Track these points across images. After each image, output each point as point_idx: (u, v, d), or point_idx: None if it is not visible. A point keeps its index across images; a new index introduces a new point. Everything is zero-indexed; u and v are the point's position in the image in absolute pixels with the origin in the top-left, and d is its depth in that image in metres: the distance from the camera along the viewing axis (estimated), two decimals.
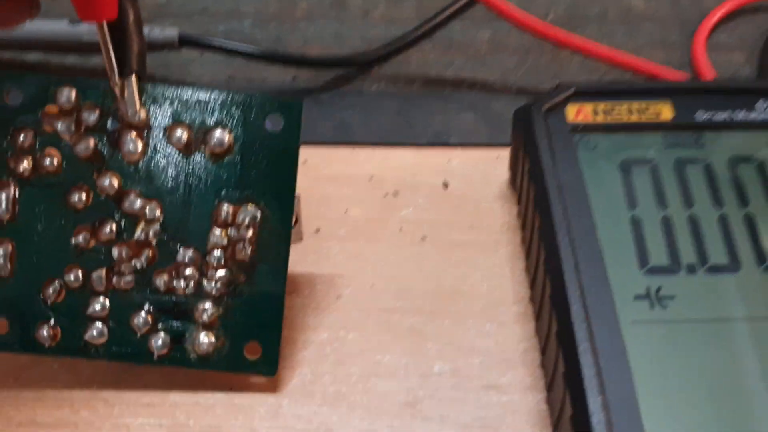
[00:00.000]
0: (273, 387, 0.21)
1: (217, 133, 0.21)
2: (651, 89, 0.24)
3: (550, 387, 0.20)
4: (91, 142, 0.21)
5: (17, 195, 0.21)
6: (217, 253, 0.21)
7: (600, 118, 0.24)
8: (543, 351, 0.21)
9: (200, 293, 0.21)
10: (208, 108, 0.21)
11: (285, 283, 0.21)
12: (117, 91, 0.21)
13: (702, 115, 0.24)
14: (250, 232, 0.21)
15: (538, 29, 0.28)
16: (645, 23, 0.32)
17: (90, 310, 0.21)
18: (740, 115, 0.23)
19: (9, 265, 0.21)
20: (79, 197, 0.21)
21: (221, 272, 0.21)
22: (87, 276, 0.21)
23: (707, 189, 0.22)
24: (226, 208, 0.21)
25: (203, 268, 0.21)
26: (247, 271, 0.21)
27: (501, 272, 0.24)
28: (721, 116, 0.23)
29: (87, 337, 0.21)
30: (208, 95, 0.21)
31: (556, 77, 0.30)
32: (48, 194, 0.21)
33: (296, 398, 0.21)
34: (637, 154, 0.23)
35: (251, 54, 0.29)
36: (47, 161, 0.21)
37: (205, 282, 0.21)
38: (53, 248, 0.21)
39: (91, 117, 0.21)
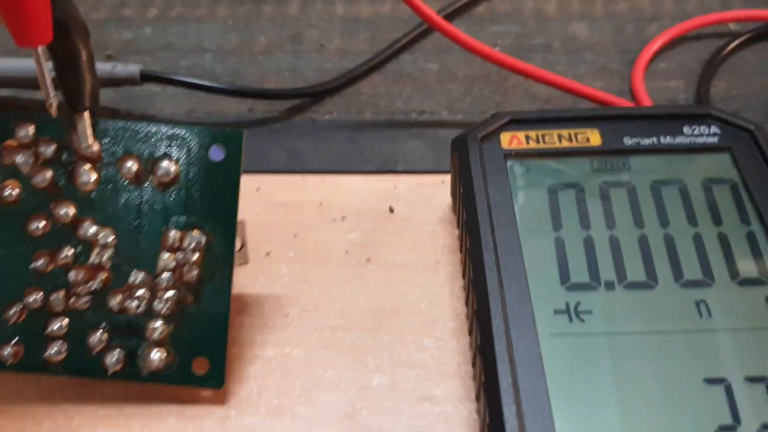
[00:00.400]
0: (221, 399, 0.22)
1: (164, 164, 0.22)
2: (580, 116, 0.26)
3: (477, 397, 0.22)
4: (49, 173, 0.22)
5: None
6: (166, 275, 0.22)
7: (532, 145, 0.25)
8: (473, 363, 0.22)
9: (151, 313, 0.22)
10: (156, 141, 0.23)
11: (229, 302, 0.22)
12: (73, 123, 0.22)
13: (629, 141, 0.25)
14: (196, 256, 0.22)
15: (488, 54, 0.30)
16: (587, 52, 0.34)
17: (49, 329, 0.22)
18: (666, 140, 0.25)
19: None
20: (38, 225, 0.22)
21: (170, 293, 0.22)
22: (46, 298, 0.22)
23: (629, 211, 0.23)
24: (173, 234, 0.22)
25: (154, 289, 0.22)
26: (194, 292, 0.22)
27: (440, 291, 0.25)
28: (647, 141, 0.25)
29: (47, 354, 0.22)
30: (156, 129, 0.23)
31: (499, 106, 0.31)
32: (8, 223, 0.23)
33: (243, 409, 0.22)
34: (565, 179, 0.24)
35: (210, 87, 0.31)
36: (7, 192, 0.22)
37: (155, 302, 0.22)
38: (14, 272, 0.22)
39: (48, 150, 0.23)
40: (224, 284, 0.22)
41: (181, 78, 0.31)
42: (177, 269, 0.22)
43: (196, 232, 0.22)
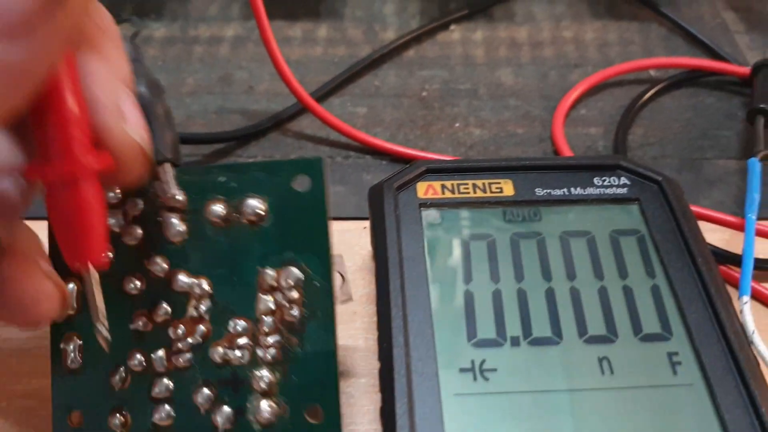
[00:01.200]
0: None
1: (251, 202, 0.22)
2: (495, 167, 0.26)
3: None
4: (139, 230, 0.22)
5: (80, 290, 0.22)
6: (267, 319, 0.21)
7: (447, 195, 0.25)
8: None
9: (256, 361, 0.21)
10: (239, 180, 0.22)
11: (335, 340, 0.21)
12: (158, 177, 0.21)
13: (540, 192, 0.25)
14: (295, 294, 0.21)
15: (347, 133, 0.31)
16: (512, 98, 0.34)
17: (155, 392, 0.21)
18: (576, 191, 0.25)
19: (79, 359, 0.22)
20: (134, 284, 0.22)
21: (273, 338, 0.21)
22: (148, 359, 0.22)
23: (538, 263, 0.23)
24: (269, 274, 0.21)
25: (256, 335, 0.21)
26: (298, 333, 0.21)
27: (354, 344, 0.25)
28: (558, 192, 0.25)
29: (155, 419, 0.21)
30: (237, 168, 0.22)
31: (424, 150, 0.31)
32: (106, 285, 0.21)
33: None
34: (478, 229, 0.24)
35: None
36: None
37: (258, 350, 0.21)
38: (115, 336, 0.21)
39: (136, 207, 0.22)
40: (328, 321, 0.21)
41: None
42: (277, 311, 0.21)
43: (292, 268, 0.21)
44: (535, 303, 0.22)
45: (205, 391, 0.21)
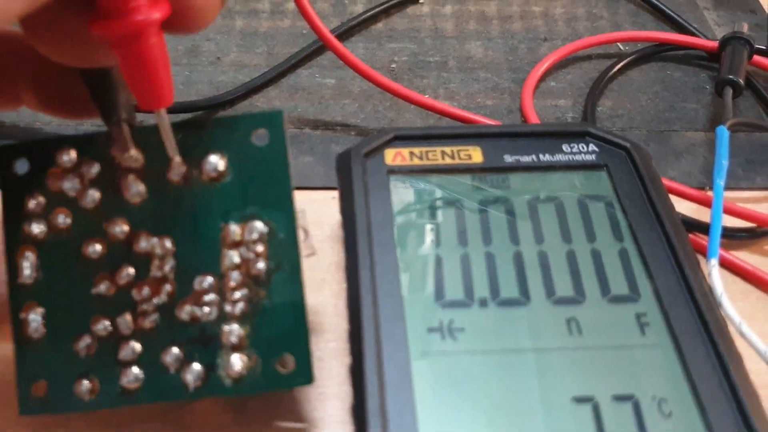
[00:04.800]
0: None
1: (211, 158, 0.21)
2: (463, 134, 0.26)
3: (352, 420, 0.21)
4: (97, 193, 0.21)
5: (38, 258, 0.21)
6: (233, 273, 0.21)
7: (416, 162, 0.25)
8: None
9: (224, 316, 0.21)
10: (197, 137, 0.21)
11: (303, 290, 0.21)
12: (114, 138, 0.21)
13: (509, 158, 0.25)
14: (260, 247, 0.21)
15: (378, 80, 0.30)
16: (481, 70, 0.34)
17: (122, 355, 0.21)
18: (545, 157, 0.25)
19: (42, 328, 0.21)
20: (94, 248, 0.21)
21: (240, 292, 0.21)
22: (114, 323, 0.21)
23: (506, 228, 0.23)
24: (233, 229, 0.21)
25: (222, 291, 0.21)
26: (264, 286, 0.21)
27: (323, 310, 0.25)
28: (527, 159, 0.25)
29: (124, 382, 0.21)
30: (194, 125, 0.22)
31: (393, 122, 0.31)
32: (65, 251, 0.21)
33: None
34: (446, 195, 0.24)
35: None
36: (60, 220, 0.21)
37: (226, 305, 0.21)
38: (78, 302, 0.21)
39: (92, 170, 0.22)
40: (294, 272, 0.21)
41: None
42: (243, 265, 0.21)
43: (256, 222, 0.21)
44: (503, 266, 0.22)
45: (174, 350, 0.21)
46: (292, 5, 0.37)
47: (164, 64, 0.19)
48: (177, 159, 0.21)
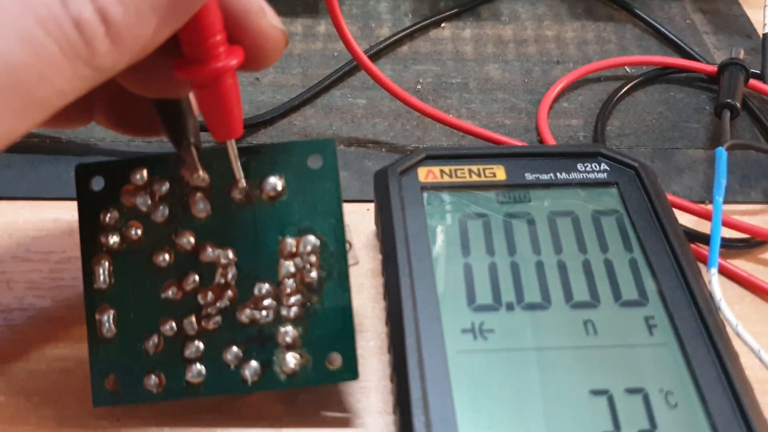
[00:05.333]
0: None
1: (270, 180, 0.24)
2: (488, 154, 0.29)
3: (394, 411, 0.24)
4: (166, 208, 0.24)
5: (111, 266, 0.24)
6: (288, 281, 0.24)
7: (446, 179, 0.28)
8: (391, 380, 0.25)
9: (280, 319, 0.24)
10: (259, 160, 0.24)
11: (350, 295, 0.24)
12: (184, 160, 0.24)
13: (530, 176, 0.28)
14: (313, 258, 0.24)
15: (406, 99, 0.33)
16: (499, 91, 0.37)
17: (187, 353, 0.24)
18: (561, 176, 0.28)
19: (114, 328, 0.24)
20: (163, 257, 0.24)
21: (295, 297, 0.24)
22: (180, 324, 0.24)
23: (528, 239, 0.26)
24: (289, 242, 0.24)
25: (279, 297, 0.24)
26: (316, 292, 0.24)
27: (363, 312, 0.27)
28: (546, 177, 0.28)
29: (188, 377, 0.23)
30: (256, 149, 0.24)
31: (420, 140, 0.34)
32: (137, 260, 0.24)
33: None
34: (474, 210, 0.27)
35: None
36: (132, 232, 0.24)
37: (282, 309, 0.24)
38: (148, 305, 0.24)
39: (163, 188, 0.24)
40: (343, 280, 0.24)
41: None
42: (297, 274, 0.24)
43: (310, 236, 0.24)
44: (527, 274, 0.25)
45: (234, 349, 0.24)
46: (323, 28, 0.40)
47: (237, 101, 0.22)
48: (242, 182, 0.24)
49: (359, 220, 0.30)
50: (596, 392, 0.22)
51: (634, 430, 0.21)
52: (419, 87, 0.37)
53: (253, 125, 0.34)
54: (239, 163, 0.24)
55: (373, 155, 0.33)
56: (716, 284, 0.26)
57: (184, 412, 0.24)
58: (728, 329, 0.24)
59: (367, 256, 0.29)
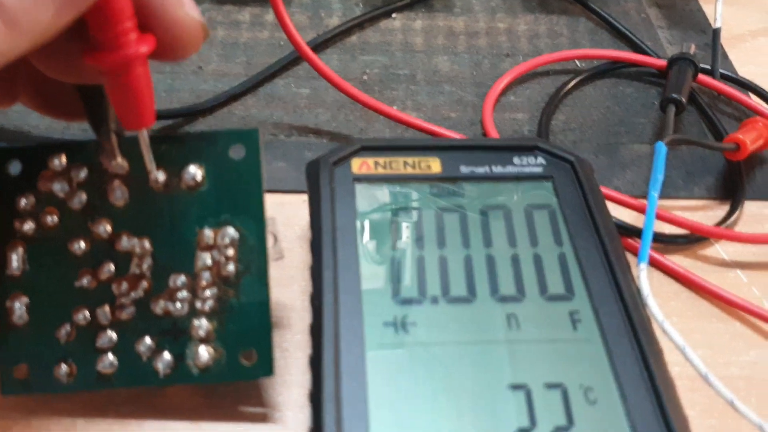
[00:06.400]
0: None
1: (190, 169, 0.23)
2: (424, 146, 0.28)
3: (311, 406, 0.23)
4: (83, 195, 0.24)
5: (26, 253, 0.23)
6: (204, 274, 0.23)
7: (380, 171, 0.27)
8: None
9: (195, 312, 0.23)
10: (179, 149, 0.24)
11: (268, 291, 0.23)
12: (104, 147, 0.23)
13: (465, 169, 0.28)
14: (231, 251, 0.23)
15: (348, 90, 0.32)
16: (447, 84, 0.36)
17: (99, 343, 0.23)
18: (497, 169, 0.28)
19: (26, 316, 0.23)
20: (79, 245, 0.23)
21: (210, 291, 0.23)
22: (93, 313, 0.23)
23: (459, 233, 0.26)
24: (207, 234, 0.23)
25: (194, 289, 0.23)
26: (233, 286, 0.23)
27: (291, 305, 0.27)
28: (481, 170, 0.28)
29: (99, 368, 0.23)
30: (177, 139, 0.24)
31: (363, 131, 0.33)
32: (51, 247, 0.24)
33: None
34: (406, 202, 0.27)
35: None
36: (48, 219, 0.24)
37: (197, 301, 0.23)
38: (61, 293, 0.23)
39: (81, 174, 0.24)
40: (261, 275, 0.23)
41: None
42: (214, 267, 0.23)
43: (228, 229, 0.23)
44: (454, 267, 0.25)
45: (147, 340, 0.23)
46: (271, 17, 0.40)
47: (148, 90, 0.21)
48: (154, 174, 0.23)
49: (295, 212, 0.30)
50: (514, 387, 0.22)
51: (550, 426, 0.21)
52: (365, 78, 0.36)
53: (191, 114, 0.33)
54: (151, 155, 0.23)
55: (314, 145, 0.33)
56: (645, 279, 0.25)
57: (99, 404, 0.24)
58: (655, 325, 0.24)
59: (301, 249, 0.29)
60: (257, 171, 0.24)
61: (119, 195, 0.24)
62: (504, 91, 0.36)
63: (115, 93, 0.21)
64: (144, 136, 0.23)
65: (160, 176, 0.24)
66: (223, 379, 0.23)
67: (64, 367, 0.23)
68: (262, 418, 0.24)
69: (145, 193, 0.24)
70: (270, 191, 0.30)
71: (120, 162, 0.24)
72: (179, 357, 0.23)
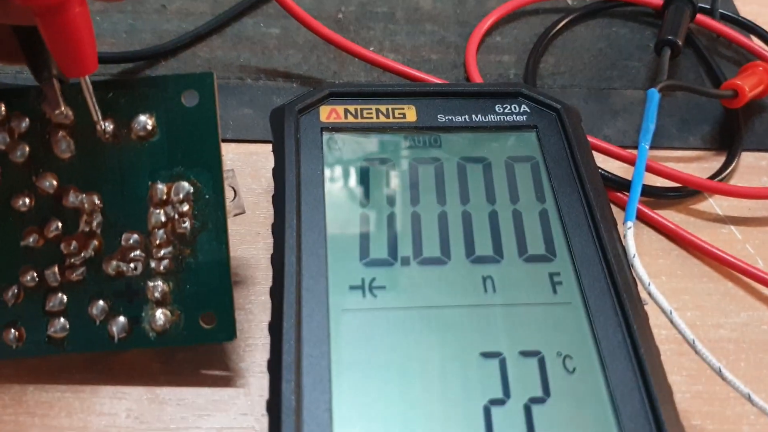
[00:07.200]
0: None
1: (140, 118, 0.22)
2: (398, 92, 0.26)
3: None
4: (26, 147, 0.22)
5: None
6: (159, 232, 0.22)
7: (350, 119, 0.25)
8: None
9: (149, 273, 0.22)
10: (128, 96, 0.22)
11: (228, 249, 0.22)
12: (45, 94, 0.21)
13: (442, 118, 0.26)
14: (186, 207, 0.22)
15: (319, 30, 0.30)
16: (429, 23, 0.34)
17: (49, 306, 0.22)
18: (477, 118, 0.26)
19: None
20: (23, 201, 0.22)
21: (166, 249, 0.22)
22: (41, 275, 0.22)
23: (434, 188, 0.24)
24: (160, 188, 0.22)
25: (148, 248, 0.22)
26: (189, 244, 0.22)
27: (256, 263, 0.25)
28: (460, 119, 0.26)
29: (50, 332, 0.21)
30: (125, 85, 0.22)
31: (337, 74, 0.31)
32: None
33: None
34: (378, 154, 0.25)
35: None
36: None
37: (152, 261, 0.22)
38: (6, 253, 0.22)
39: (22, 125, 0.22)
40: (220, 232, 0.22)
41: None
42: (169, 224, 0.22)
43: (183, 182, 0.22)
44: (428, 226, 0.23)
45: (100, 303, 0.22)
46: None
47: (88, 33, 0.19)
48: (100, 124, 0.21)
49: (263, 163, 0.28)
50: (487, 355, 0.20)
51: (524, 397, 0.20)
52: (340, 16, 0.34)
53: (153, 56, 0.31)
54: (95, 103, 0.21)
55: (283, 90, 0.31)
56: (631, 239, 0.24)
57: (51, 370, 0.22)
58: (641, 288, 0.22)
59: (267, 202, 0.27)
60: (212, 119, 0.22)
61: (64, 147, 0.22)
62: (489, 31, 0.33)
63: (50, 36, 0.19)
64: (87, 83, 0.21)
65: (108, 126, 0.22)
66: (182, 342, 0.22)
67: (12, 332, 0.21)
68: (224, 384, 0.23)
69: (93, 145, 0.22)
70: (235, 140, 0.29)
71: (64, 111, 0.22)
72: (134, 320, 0.22)
